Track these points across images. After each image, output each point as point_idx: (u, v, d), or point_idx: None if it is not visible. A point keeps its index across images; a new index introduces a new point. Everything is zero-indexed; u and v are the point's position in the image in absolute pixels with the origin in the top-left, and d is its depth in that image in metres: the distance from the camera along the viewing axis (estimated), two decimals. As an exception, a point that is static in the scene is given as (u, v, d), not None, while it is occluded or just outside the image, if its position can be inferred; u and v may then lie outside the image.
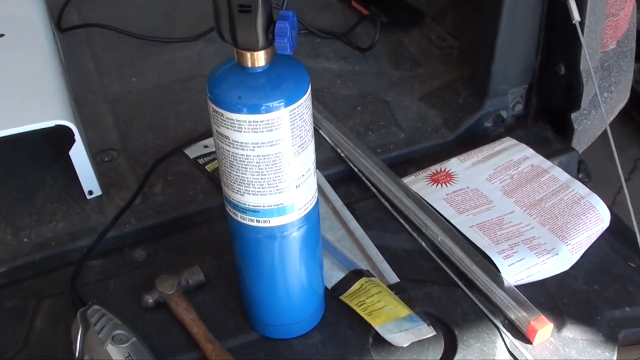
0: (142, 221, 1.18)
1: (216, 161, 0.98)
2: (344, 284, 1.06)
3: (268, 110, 0.80)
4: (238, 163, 0.84)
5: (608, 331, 1.01)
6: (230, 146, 0.83)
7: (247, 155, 0.83)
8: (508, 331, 1.00)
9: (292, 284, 0.97)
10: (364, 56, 1.49)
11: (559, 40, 1.24)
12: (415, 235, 1.13)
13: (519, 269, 1.05)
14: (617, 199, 2.08)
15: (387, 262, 1.09)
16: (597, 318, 1.02)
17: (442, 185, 1.19)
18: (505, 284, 1.04)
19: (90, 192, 1.21)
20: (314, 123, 1.27)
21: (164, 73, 1.49)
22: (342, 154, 1.25)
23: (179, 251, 1.14)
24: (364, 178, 1.21)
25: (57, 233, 1.16)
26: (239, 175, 0.85)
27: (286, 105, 0.81)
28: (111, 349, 0.91)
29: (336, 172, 1.24)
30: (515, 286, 1.04)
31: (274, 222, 0.89)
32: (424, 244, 1.11)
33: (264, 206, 0.87)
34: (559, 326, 1.01)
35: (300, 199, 0.89)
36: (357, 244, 1.12)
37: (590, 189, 1.17)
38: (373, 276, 1.07)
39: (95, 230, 1.14)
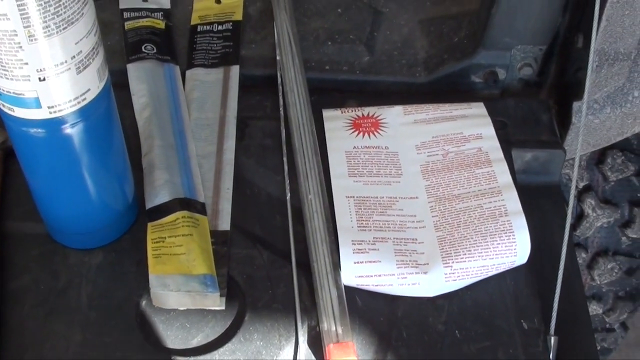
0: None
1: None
2: (162, 211, 0.86)
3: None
4: (-29, 28, 0.67)
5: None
6: (-39, 3, 0.66)
7: (-28, 22, 0.65)
8: (308, 341, 0.79)
9: (66, 191, 0.80)
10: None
11: (583, 3, 0.90)
12: (287, 182, 0.90)
13: (366, 272, 0.81)
14: None
15: (235, 203, 0.89)
16: (430, 370, 0.78)
17: (360, 134, 0.94)
18: (339, 283, 0.81)
19: None
20: (274, 13, 1.05)
21: None
22: (278, 58, 1.01)
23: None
24: (280, 94, 0.97)
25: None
26: (-23, 43, 0.68)
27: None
28: None
29: (262, 75, 1.01)
30: (358, 289, 0.81)
31: (19, 112, 0.71)
32: (288, 197, 0.89)
33: (3, 90, 0.70)
34: (374, 361, 0.78)
35: (51, 96, 0.70)
36: (216, 169, 0.91)
37: None
38: (203, 213, 0.86)
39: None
